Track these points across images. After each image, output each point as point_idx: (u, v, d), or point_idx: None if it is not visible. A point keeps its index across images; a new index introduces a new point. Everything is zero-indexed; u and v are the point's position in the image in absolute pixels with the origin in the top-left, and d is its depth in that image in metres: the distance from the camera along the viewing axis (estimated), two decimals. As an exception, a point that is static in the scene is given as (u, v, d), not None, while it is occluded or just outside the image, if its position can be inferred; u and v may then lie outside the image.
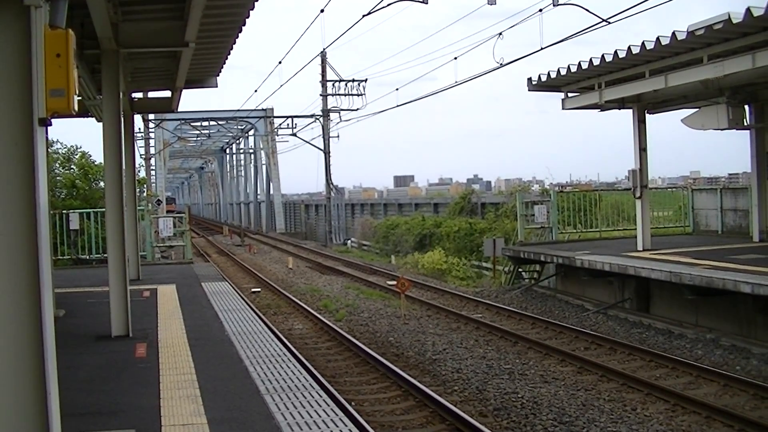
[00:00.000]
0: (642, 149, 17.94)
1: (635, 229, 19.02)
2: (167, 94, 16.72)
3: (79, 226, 20.49)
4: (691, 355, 12.65)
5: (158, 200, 37.54)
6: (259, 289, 22.48)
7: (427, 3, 18.90)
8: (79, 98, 14.29)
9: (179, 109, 19.08)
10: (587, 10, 16.13)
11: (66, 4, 4.58)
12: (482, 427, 8.51)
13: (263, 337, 10.31)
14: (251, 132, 65.15)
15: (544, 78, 18.14)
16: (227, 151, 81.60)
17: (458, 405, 9.78)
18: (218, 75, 15.70)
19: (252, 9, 10.33)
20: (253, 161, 70.83)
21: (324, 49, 41.46)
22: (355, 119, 64.39)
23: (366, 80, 43.30)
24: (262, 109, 53.89)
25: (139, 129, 49.58)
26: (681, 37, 13.61)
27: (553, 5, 16.27)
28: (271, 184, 63.08)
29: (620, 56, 15.30)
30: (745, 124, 17.66)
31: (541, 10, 16.42)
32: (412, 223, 38.77)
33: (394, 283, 20.61)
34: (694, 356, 12.52)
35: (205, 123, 58.38)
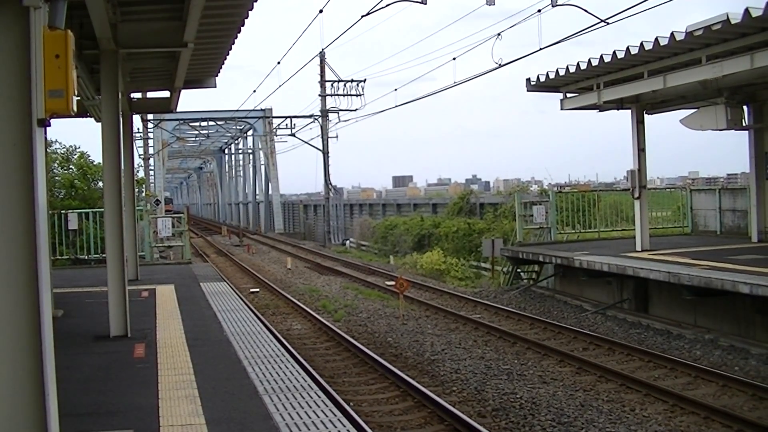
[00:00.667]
0: (640, 150, 17.95)
1: (634, 229, 19.03)
2: (166, 94, 16.73)
3: (77, 226, 20.49)
4: (689, 355, 12.65)
5: (157, 200, 37.49)
6: (257, 290, 22.48)
7: (425, 3, 18.89)
8: (78, 98, 14.28)
9: (178, 110, 19.09)
10: (586, 11, 16.15)
11: (65, 5, 4.58)
12: (481, 428, 8.51)
13: (262, 338, 10.31)
14: (250, 132, 65.19)
15: (542, 78, 18.15)
16: (226, 151, 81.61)
17: (457, 405, 9.78)
18: (217, 75, 15.71)
19: (251, 9, 10.34)
20: (251, 161, 70.87)
21: (323, 49, 41.52)
22: (353, 119, 64.46)
23: (365, 80, 43.34)
24: (261, 110, 53.90)
25: (138, 129, 49.53)
26: (679, 37, 13.62)
27: (552, 6, 16.28)
28: (269, 185, 63.08)
29: (619, 57, 15.32)
30: (744, 124, 17.69)
31: (539, 11, 16.46)
32: (411, 224, 38.76)
33: (393, 283, 20.62)
34: (693, 357, 12.53)
35: (204, 123, 58.31)
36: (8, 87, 4.11)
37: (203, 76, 15.55)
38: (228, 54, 13.61)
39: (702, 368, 11.38)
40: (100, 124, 11.04)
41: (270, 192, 63.28)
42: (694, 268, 13.93)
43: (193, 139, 67.58)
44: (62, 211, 20.68)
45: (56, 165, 26.44)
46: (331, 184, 48.38)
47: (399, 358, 12.99)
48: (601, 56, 15.82)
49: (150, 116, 47.15)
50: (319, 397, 7.31)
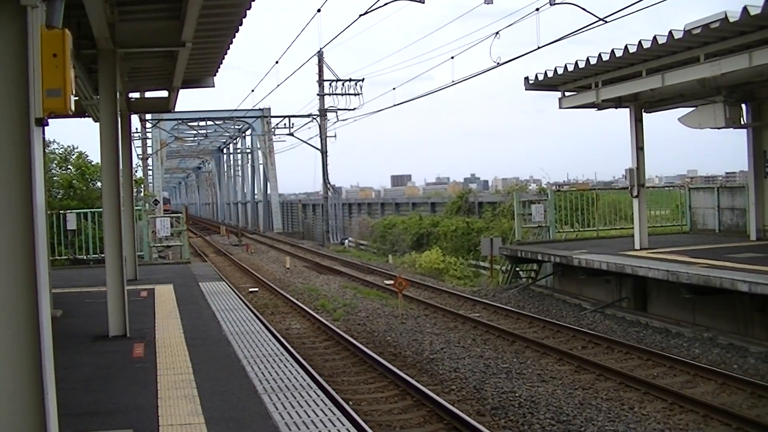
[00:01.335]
0: (639, 148, 17.95)
1: (632, 228, 19.03)
2: (164, 94, 16.72)
3: (76, 227, 20.46)
4: (688, 353, 12.66)
5: (155, 200, 37.47)
6: (256, 289, 22.48)
7: (423, 2, 18.90)
8: (76, 98, 14.27)
9: (176, 109, 19.06)
10: (584, 9, 16.15)
11: (62, 4, 4.58)
12: (480, 427, 8.51)
13: (261, 337, 10.31)
14: (248, 132, 65.19)
15: (541, 77, 18.14)
16: (224, 150, 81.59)
17: (456, 404, 9.78)
18: (215, 75, 15.69)
19: (249, 9, 10.33)
20: (250, 161, 70.90)
21: (321, 48, 41.62)
22: (352, 119, 64.60)
23: (363, 80, 43.30)
24: (259, 109, 53.92)
25: (136, 129, 49.51)
26: (678, 36, 13.62)
27: (550, 4, 16.27)
28: (268, 184, 63.08)
29: (617, 55, 15.31)
30: (742, 122, 17.69)
31: (537, 9, 16.46)
32: (410, 223, 38.77)
33: (392, 282, 20.63)
34: (692, 355, 12.54)
35: (202, 123, 58.33)
36: (5, 86, 4.11)
37: (201, 75, 15.54)
38: (226, 53, 13.59)
39: (701, 366, 11.39)
40: (98, 124, 11.03)
41: (268, 191, 63.29)
42: (693, 266, 13.93)
43: (192, 138, 67.57)
44: (61, 212, 20.65)
45: (54, 165, 26.39)
46: (329, 183, 48.37)
47: (398, 357, 12.99)
48: (600, 55, 15.82)
49: (148, 116, 47.11)
50: (318, 396, 7.30)
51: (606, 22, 15.00)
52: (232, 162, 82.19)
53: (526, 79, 18.69)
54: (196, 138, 67.49)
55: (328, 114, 45.97)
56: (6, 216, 4.12)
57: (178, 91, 15.88)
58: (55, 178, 25.68)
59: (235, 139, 71.93)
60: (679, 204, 24.39)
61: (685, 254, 15.88)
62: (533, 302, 18.62)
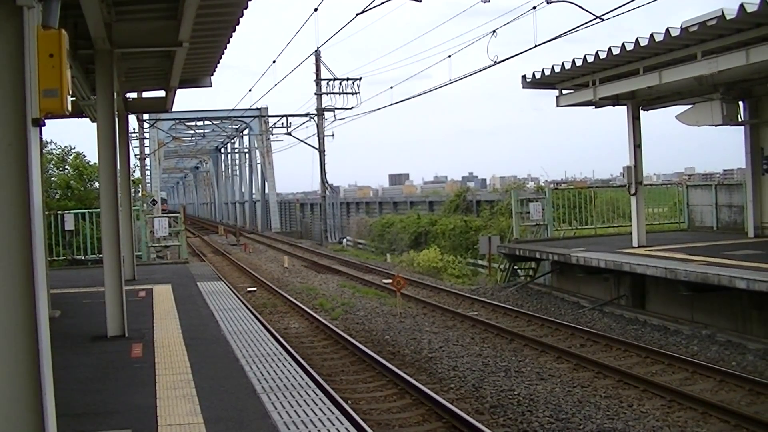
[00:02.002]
0: (636, 146, 17.96)
1: (630, 225, 19.05)
2: (161, 93, 16.71)
3: (74, 227, 20.45)
4: (687, 351, 12.67)
5: (153, 200, 37.44)
6: (254, 289, 22.47)
7: (420, 1, 18.86)
8: (73, 98, 14.31)
9: (174, 109, 19.05)
10: (581, 7, 16.10)
11: (59, 5, 4.58)
12: (479, 425, 8.51)
13: (259, 337, 10.30)
14: (246, 131, 65.13)
15: (538, 75, 18.14)
16: (222, 150, 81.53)
17: (455, 403, 9.78)
18: (212, 74, 15.69)
19: (246, 8, 10.32)
20: (248, 160, 70.85)
21: (318, 47, 41.59)
22: (349, 118, 64.32)
23: (360, 79, 43.29)
24: (257, 109, 53.82)
25: (134, 129, 49.48)
26: (675, 33, 13.62)
27: (547, 2, 16.23)
28: (266, 183, 63.05)
29: (614, 53, 15.32)
30: (740, 120, 17.69)
31: (534, 8, 16.40)
32: (408, 222, 38.78)
33: (390, 281, 20.64)
34: (690, 352, 12.55)
35: (200, 122, 58.32)
36: (2, 86, 4.10)
37: (199, 75, 15.53)
38: (223, 53, 13.59)
39: (699, 364, 11.40)
40: (95, 124, 11.01)
41: (266, 191, 63.26)
42: (691, 263, 13.95)
43: (189, 138, 67.51)
44: (58, 212, 20.65)
45: (52, 165, 26.40)
46: (327, 182, 48.36)
47: (396, 356, 12.99)
48: (597, 53, 15.82)
49: (146, 116, 47.06)
50: (317, 395, 7.30)
51: (603, 20, 14.97)
52: (229, 162, 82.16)
53: (524, 77, 18.69)
54: (193, 138, 67.44)
55: (325, 113, 45.97)
56: (3, 217, 4.11)
57: (175, 91, 15.86)
58: (52, 179, 25.69)
59: (233, 138, 71.90)
60: (676, 201, 24.43)
61: (683, 251, 15.90)
62: (531, 300, 18.63)
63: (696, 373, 11.07)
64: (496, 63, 18.44)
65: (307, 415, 6.60)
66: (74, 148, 27.64)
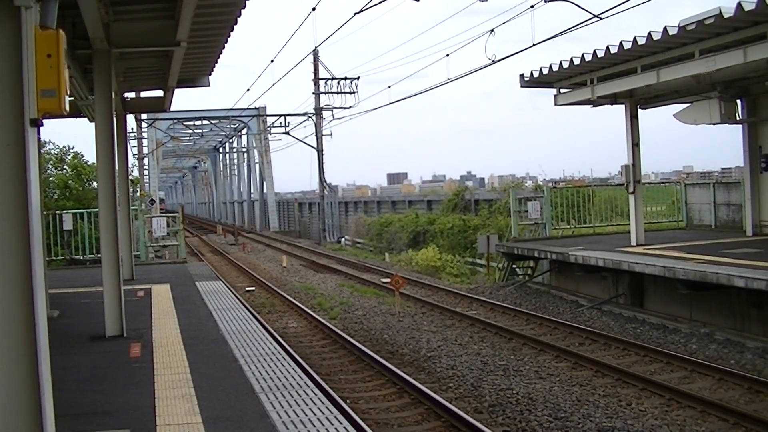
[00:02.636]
0: (635, 144, 17.97)
1: (629, 224, 19.06)
2: (159, 93, 16.69)
3: (72, 227, 20.43)
4: (685, 349, 12.68)
5: (151, 200, 37.43)
6: (253, 288, 22.48)
7: (418, 0, 18.84)
8: (71, 98, 14.30)
9: (172, 109, 19.04)
10: (579, 6, 16.10)
11: (56, 5, 4.57)
12: (478, 424, 8.52)
13: (258, 336, 10.30)
14: (244, 131, 65.12)
15: (536, 74, 18.15)
16: (220, 150, 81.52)
17: (453, 402, 9.78)
18: (210, 74, 15.68)
19: (243, 8, 10.32)
20: (246, 160, 70.82)
21: (316, 47, 41.49)
22: (347, 117, 64.80)
23: (358, 78, 43.27)
24: (255, 108, 53.82)
25: (132, 129, 49.52)
26: (672, 32, 13.63)
27: (545, 1, 16.23)
28: (264, 183, 63.06)
29: (612, 52, 15.32)
30: (738, 118, 17.72)
31: (532, 7, 16.37)
32: (406, 221, 38.76)
33: (389, 280, 20.64)
34: (689, 351, 12.56)
35: (198, 122, 58.34)
36: (0, 87, 4.10)
37: (197, 75, 15.52)
38: (221, 53, 13.58)
39: (698, 362, 11.41)
40: (93, 124, 11.00)
41: (265, 190, 63.27)
42: (690, 262, 13.96)
43: (188, 138, 67.51)
44: (57, 212, 20.62)
45: (50, 165, 26.36)
46: (325, 181, 48.37)
47: (395, 355, 12.99)
48: (595, 51, 15.82)
49: (144, 116, 47.05)
50: (315, 394, 7.30)
51: (601, 18, 14.96)
52: (228, 161, 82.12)
53: (522, 76, 18.69)
54: (191, 137, 67.45)
55: (323, 112, 45.97)
56: (1, 217, 4.11)
57: (173, 90, 15.85)
58: (51, 179, 25.65)
59: (231, 138, 71.88)
60: (675, 200, 24.43)
61: (681, 250, 15.91)
62: (530, 299, 18.64)
63: (695, 372, 11.08)
64: (494, 62, 18.43)
65: (306, 415, 6.60)
66: (72, 147, 27.62)
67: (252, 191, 69.54)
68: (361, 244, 43.94)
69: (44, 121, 4.37)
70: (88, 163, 26.09)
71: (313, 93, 45.50)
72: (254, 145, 64.23)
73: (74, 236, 20.95)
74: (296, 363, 9.47)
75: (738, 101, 17.57)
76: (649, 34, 14.16)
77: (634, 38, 14.56)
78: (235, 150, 75.29)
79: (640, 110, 18.35)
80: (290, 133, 51.10)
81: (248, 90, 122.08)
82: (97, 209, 12.60)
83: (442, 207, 39.82)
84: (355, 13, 19.84)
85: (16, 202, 4.12)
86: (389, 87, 36.38)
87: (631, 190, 18.09)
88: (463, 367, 11.87)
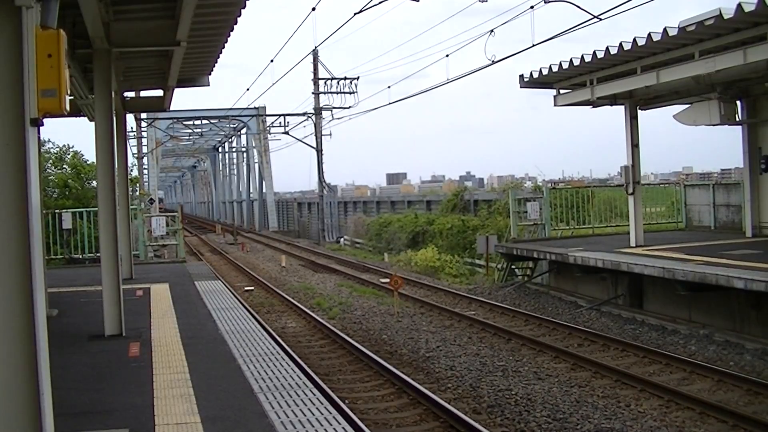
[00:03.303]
0: (634, 145, 17.98)
1: (628, 225, 19.06)
2: (159, 93, 16.70)
3: (71, 226, 20.43)
4: (684, 350, 12.68)
5: (151, 199, 37.42)
6: (252, 288, 22.48)
7: (418, 0, 18.84)
8: (71, 98, 14.29)
9: (171, 108, 19.04)
10: (578, 7, 16.10)
11: (57, 5, 4.58)
12: (476, 425, 8.52)
13: (256, 336, 10.30)
14: (243, 130, 65.12)
15: (536, 75, 18.15)
16: (220, 149, 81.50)
17: (452, 402, 9.79)
18: (210, 74, 15.68)
19: (243, 8, 10.32)
20: (245, 160, 70.84)
21: (316, 47, 41.43)
22: (347, 117, 64.72)
23: (358, 78, 43.25)
24: (255, 108, 53.80)
25: (132, 128, 49.49)
26: (672, 33, 13.63)
27: (545, 2, 16.21)
28: (263, 182, 63.06)
29: (612, 53, 15.32)
30: (737, 119, 17.70)
31: (532, 7, 16.37)
32: (405, 221, 38.72)
33: (387, 280, 20.63)
34: (688, 352, 12.56)
35: (198, 122, 58.34)
36: (0, 87, 4.10)
37: (196, 74, 15.52)
38: (221, 52, 13.58)
39: (697, 363, 11.41)
40: (93, 123, 11.01)
41: (264, 190, 63.27)
42: (689, 263, 13.96)
43: (187, 137, 67.49)
44: (56, 211, 20.62)
45: (50, 164, 26.36)
46: (324, 181, 48.35)
47: (394, 356, 12.99)
48: (594, 52, 15.83)
49: (143, 115, 47.05)
50: (314, 395, 7.30)
51: (600, 19, 14.96)
52: (227, 161, 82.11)
53: (521, 76, 18.69)
54: (191, 137, 67.41)
55: (323, 112, 45.96)
56: (1, 216, 4.11)
57: (173, 90, 15.85)
58: (50, 178, 25.65)
59: (231, 137, 71.87)
60: (674, 201, 24.42)
61: (680, 251, 15.91)
62: (529, 300, 18.64)
63: (694, 373, 11.08)
64: (493, 62, 18.43)
65: (305, 415, 6.60)
66: (72, 146, 27.67)
67: (251, 191, 69.55)
68: (360, 244, 43.91)
69: (44, 120, 4.37)
70: (88, 162, 26.09)
71: (313, 93, 45.51)
72: (253, 144, 64.24)
73: (73, 235, 20.95)
74: (295, 363, 9.47)
75: (738, 102, 17.55)
76: (649, 35, 14.16)
77: (634, 39, 14.56)
78: (234, 149, 75.30)
79: (639, 111, 18.36)
80: (290, 133, 51.17)
81: (248, 90, 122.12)
82: (96, 208, 12.59)
83: (441, 207, 39.78)
84: (355, 14, 19.84)
85: (16, 202, 4.12)
86: (389, 87, 36.42)
87: (630, 191, 18.10)
88: (462, 367, 11.87)
